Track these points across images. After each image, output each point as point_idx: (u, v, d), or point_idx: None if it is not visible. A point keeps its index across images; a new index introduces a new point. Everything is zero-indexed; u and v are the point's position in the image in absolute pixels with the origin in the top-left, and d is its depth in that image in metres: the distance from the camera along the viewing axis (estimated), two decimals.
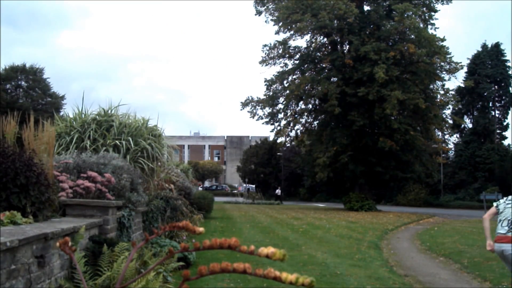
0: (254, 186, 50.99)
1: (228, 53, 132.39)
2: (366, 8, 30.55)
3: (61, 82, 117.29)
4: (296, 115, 31.85)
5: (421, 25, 28.36)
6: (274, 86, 31.39)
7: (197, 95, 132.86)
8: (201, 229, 0.88)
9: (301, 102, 31.11)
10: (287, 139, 33.90)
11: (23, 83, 35.54)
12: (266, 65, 31.56)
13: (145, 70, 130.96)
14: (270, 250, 0.72)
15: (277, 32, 30.99)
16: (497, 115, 45.23)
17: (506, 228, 4.98)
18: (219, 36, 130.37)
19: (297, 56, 31.38)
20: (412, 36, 27.77)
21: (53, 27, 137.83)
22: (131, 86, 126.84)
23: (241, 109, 38.86)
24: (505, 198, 5.29)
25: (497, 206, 5.21)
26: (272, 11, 31.03)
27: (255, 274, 0.72)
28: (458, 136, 45.93)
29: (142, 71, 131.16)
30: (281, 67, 31.95)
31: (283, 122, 31.76)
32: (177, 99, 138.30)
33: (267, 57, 31.25)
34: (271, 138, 45.10)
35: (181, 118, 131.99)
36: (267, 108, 31.42)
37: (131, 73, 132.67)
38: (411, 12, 26.87)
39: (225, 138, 78.91)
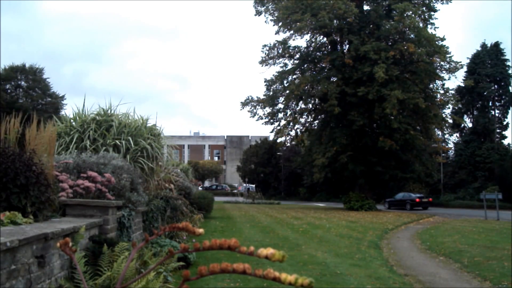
0: (254, 186, 51.00)
1: (228, 53, 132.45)
2: (365, 7, 30.55)
3: (51, 64, 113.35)
4: (296, 115, 31.85)
5: (421, 25, 28.35)
6: (274, 86, 31.41)
7: (197, 95, 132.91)
8: (201, 230, 0.88)
9: (301, 102, 31.11)
10: (287, 138, 33.89)
11: (23, 83, 35.53)
12: (266, 65, 31.60)
13: (143, 68, 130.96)
14: (269, 251, 0.72)
15: (277, 32, 31.06)
16: (497, 115, 45.18)
17: None
18: (219, 36, 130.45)
19: (297, 56, 31.41)
20: (412, 36, 27.78)
21: None
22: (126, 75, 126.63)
23: (241, 109, 39.19)
24: None
25: None
26: (272, 11, 31.06)
27: (254, 274, 0.73)
28: (458, 135, 45.92)
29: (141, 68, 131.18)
30: (281, 67, 32.04)
31: (283, 122, 31.79)
32: (177, 99, 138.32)
33: (267, 57, 31.27)
34: (271, 138, 45.13)
35: (181, 118, 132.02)
36: (267, 108, 31.47)
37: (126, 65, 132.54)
38: (410, 12, 26.86)
39: (225, 138, 78.91)
